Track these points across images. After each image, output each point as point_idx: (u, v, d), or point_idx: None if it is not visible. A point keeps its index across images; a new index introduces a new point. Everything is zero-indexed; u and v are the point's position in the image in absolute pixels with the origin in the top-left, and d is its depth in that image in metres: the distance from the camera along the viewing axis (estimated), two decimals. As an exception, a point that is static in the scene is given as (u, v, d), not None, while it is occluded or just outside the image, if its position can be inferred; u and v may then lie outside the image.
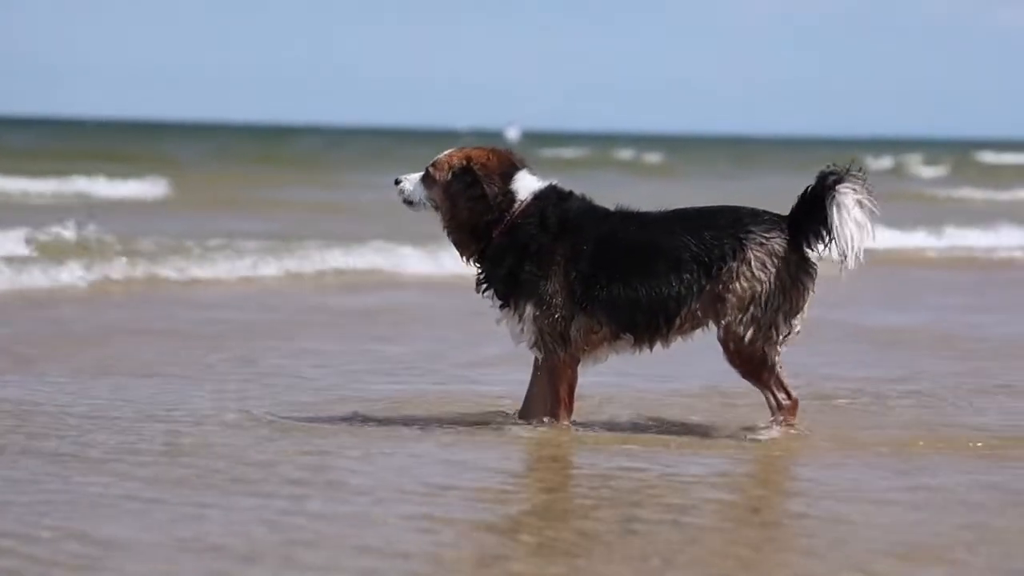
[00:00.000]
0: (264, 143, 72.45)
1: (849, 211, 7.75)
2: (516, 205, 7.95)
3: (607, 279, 7.86)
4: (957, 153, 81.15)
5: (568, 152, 70.71)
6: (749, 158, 76.25)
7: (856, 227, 7.74)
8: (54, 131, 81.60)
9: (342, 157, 58.91)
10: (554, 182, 8.09)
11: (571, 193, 8.05)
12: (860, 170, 7.87)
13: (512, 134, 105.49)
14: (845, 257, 7.74)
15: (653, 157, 67.39)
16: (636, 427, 8.41)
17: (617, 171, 55.24)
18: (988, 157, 78.97)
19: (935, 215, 27.29)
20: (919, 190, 43.69)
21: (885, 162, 67.53)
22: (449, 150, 8.15)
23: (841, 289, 8.11)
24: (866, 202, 7.78)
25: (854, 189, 7.78)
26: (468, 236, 8.05)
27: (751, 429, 8.13)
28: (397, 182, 8.19)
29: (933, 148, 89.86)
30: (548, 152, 64.93)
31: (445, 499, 6.63)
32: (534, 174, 8.10)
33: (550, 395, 8.11)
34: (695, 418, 8.68)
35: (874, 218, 7.78)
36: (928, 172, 62.93)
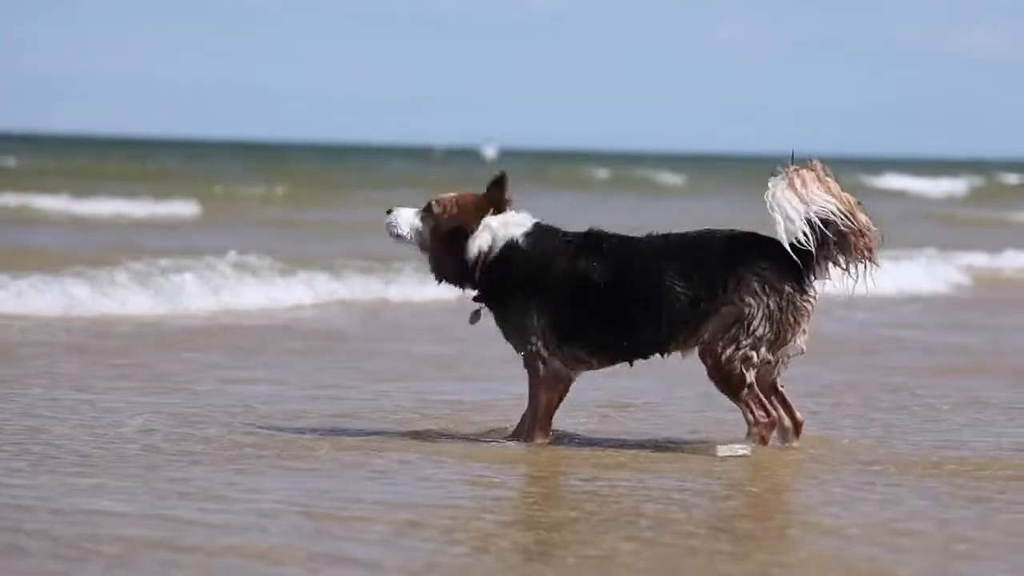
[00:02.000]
0: (263, 160, 71.73)
1: (778, 202, 7.71)
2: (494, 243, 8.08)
3: (589, 316, 7.93)
4: (975, 174, 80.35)
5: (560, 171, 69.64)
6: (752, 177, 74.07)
7: (787, 206, 7.66)
8: (50, 148, 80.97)
9: (357, 176, 58.29)
10: (535, 218, 8.18)
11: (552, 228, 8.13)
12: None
13: (490, 152, 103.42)
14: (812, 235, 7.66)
15: (668, 177, 66.39)
16: (605, 441, 8.35)
17: (638, 190, 55.34)
18: (1012, 179, 78.19)
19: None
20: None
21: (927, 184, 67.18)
22: (446, 194, 8.27)
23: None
24: (792, 180, 7.70)
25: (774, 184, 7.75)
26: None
27: (722, 445, 8.04)
28: (390, 211, 8.33)
29: (949, 168, 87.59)
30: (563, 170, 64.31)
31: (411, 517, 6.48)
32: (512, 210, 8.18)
33: (528, 412, 8.15)
34: (664, 432, 8.69)
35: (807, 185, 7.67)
36: (957, 194, 62.94)
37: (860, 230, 7.78)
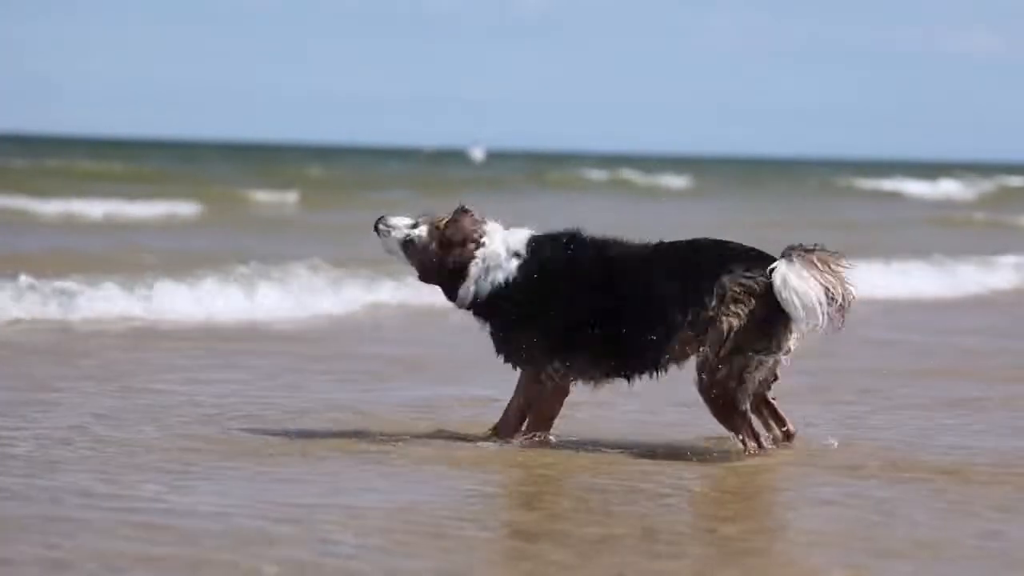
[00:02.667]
0: (259, 162, 71.47)
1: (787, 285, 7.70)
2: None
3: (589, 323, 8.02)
4: (980, 177, 77.69)
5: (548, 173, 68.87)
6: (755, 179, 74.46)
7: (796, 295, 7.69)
8: (50, 149, 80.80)
9: (355, 177, 57.34)
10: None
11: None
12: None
13: (477, 153, 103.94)
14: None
15: (666, 179, 65.53)
16: (588, 443, 8.29)
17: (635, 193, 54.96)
18: (1015, 182, 77.41)
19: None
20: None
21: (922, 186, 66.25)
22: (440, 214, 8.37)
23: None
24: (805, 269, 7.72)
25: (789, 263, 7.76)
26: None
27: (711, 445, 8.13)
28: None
29: (950, 171, 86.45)
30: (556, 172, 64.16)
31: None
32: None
33: (530, 416, 8.19)
34: (650, 434, 8.69)
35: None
36: (963, 197, 61.48)
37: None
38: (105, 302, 14.39)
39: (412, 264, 8.37)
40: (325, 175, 57.53)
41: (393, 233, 8.34)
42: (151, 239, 23.82)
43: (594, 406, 9.02)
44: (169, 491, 6.91)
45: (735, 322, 7.78)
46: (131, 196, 33.79)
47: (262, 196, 38.36)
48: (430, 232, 8.28)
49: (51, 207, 30.81)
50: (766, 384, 8.04)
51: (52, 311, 14.01)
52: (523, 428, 8.24)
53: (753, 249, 7.98)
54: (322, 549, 5.94)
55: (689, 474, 7.64)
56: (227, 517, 6.42)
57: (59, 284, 14.50)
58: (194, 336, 13.34)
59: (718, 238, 8.11)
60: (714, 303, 7.81)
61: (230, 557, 5.77)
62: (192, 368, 11.25)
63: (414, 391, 10.32)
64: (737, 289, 7.80)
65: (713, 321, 7.80)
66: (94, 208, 31.14)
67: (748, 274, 7.82)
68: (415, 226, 8.34)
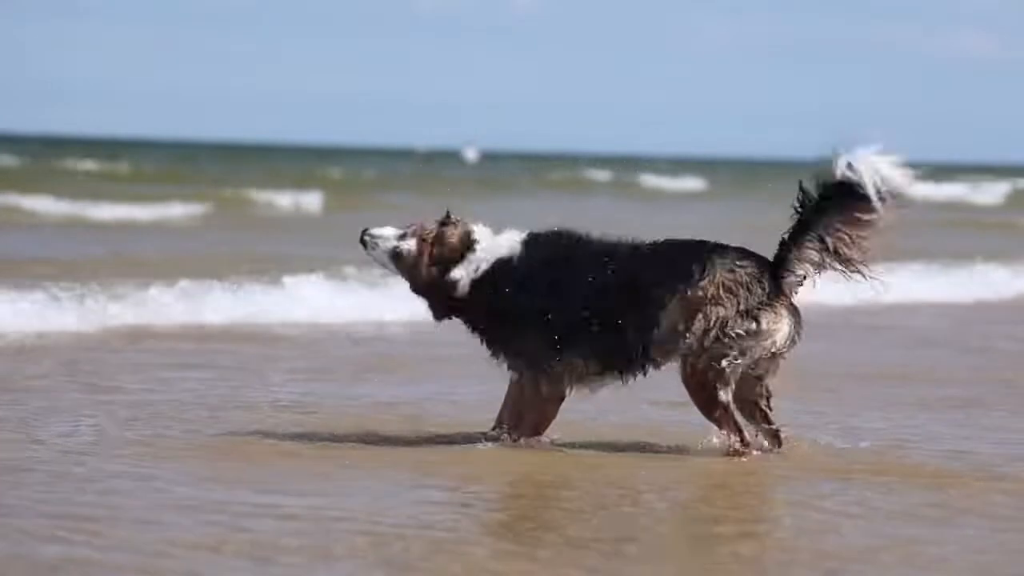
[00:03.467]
0: (257, 162, 71.04)
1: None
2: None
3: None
4: (998, 179, 76.38)
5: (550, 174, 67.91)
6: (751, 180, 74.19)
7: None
8: (48, 149, 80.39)
9: (357, 177, 57.49)
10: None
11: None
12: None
13: (471, 155, 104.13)
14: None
15: (664, 181, 65.43)
16: (568, 445, 8.13)
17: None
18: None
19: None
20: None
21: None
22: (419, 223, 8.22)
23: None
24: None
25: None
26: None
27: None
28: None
29: (954, 173, 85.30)
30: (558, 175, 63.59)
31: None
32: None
33: (525, 420, 8.05)
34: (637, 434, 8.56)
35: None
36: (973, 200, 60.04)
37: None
38: (138, 306, 13.97)
39: (403, 276, 8.21)
40: (326, 176, 57.26)
41: (381, 244, 8.19)
42: (168, 241, 23.75)
43: (574, 407, 8.89)
44: (118, 493, 6.78)
45: (721, 311, 7.70)
46: (137, 198, 33.59)
47: (278, 198, 37.93)
48: (419, 245, 8.12)
49: (61, 209, 30.58)
50: (761, 388, 7.93)
51: (106, 316, 13.50)
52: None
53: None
54: (282, 558, 5.76)
55: (669, 477, 7.56)
56: (178, 521, 6.24)
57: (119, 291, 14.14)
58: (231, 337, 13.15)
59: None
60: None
61: (175, 564, 5.59)
62: (179, 367, 11.13)
63: (403, 389, 10.26)
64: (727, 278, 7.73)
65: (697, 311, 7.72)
66: (100, 211, 30.81)
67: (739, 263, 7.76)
68: (403, 237, 8.19)
